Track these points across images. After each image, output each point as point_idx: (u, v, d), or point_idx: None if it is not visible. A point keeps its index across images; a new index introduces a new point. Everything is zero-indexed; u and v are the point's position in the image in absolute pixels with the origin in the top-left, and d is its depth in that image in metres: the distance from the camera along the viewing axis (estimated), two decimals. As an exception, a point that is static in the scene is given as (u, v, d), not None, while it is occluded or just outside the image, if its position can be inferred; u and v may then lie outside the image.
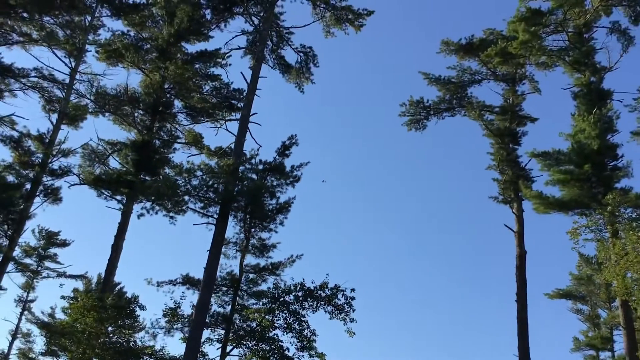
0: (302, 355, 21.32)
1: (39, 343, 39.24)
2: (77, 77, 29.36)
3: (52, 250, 38.73)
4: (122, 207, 27.58)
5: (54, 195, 28.74)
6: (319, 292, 21.44)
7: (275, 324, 21.67)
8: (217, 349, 21.90)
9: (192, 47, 29.96)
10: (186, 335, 21.98)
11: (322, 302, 21.47)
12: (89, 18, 29.69)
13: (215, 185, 23.12)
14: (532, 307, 28.03)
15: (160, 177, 25.70)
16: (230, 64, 29.02)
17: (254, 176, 23.77)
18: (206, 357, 21.85)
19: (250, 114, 26.04)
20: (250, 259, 23.71)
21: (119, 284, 35.17)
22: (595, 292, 40.87)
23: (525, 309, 26.99)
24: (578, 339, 41.72)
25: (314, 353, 21.30)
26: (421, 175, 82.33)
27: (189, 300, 23.28)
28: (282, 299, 21.79)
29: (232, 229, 23.89)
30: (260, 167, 23.86)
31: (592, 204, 25.31)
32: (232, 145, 25.69)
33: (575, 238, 24.77)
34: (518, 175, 29.31)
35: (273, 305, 21.77)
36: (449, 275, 76.68)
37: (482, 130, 31.00)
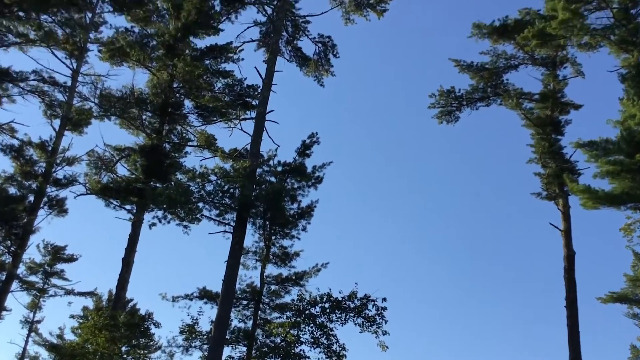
0: (332, 372, 21.13)
1: (48, 366, 39.34)
2: (80, 79, 29.64)
3: (59, 266, 38.66)
4: (132, 217, 27.59)
5: (59, 207, 28.87)
6: (348, 302, 21.11)
7: (301, 339, 21.37)
8: (239, 367, 21.86)
9: (202, 42, 29.78)
10: (205, 353, 21.74)
11: (351, 314, 21.17)
12: (90, 15, 30.24)
13: (231, 190, 22.72)
14: (583, 313, 27.09)
15: (172, 183, 25.28)
16: (242, 59, 28.83)
17: (273, 179, 23.35)
18: (228, 375, 21.70)
19: (267, 111, 25.69)
20: (271, 269, 23.41)
21: (131, 300, 34.79)
22: (653, 294, 39.88)
23: (575, 315, 26.03)
24: (635, 347, 40.22)
25: (344, 369, 21.20)
26: (456, 171, 79.53)
27: (207, 315, 23.08)
28: (307, 312, 21.55)
29: (251, 237, 23.61)
30: (279, 168, 23.35)
31: (646, 196, 24.46)
32: (248, 146, 25.37)
33: (629, 235, 25.86)
34: (562, 168, 28.22)
35: (298, 319, 21.56)
36: (493, 280, 74.15)
37: (521, 120, 30.11)
